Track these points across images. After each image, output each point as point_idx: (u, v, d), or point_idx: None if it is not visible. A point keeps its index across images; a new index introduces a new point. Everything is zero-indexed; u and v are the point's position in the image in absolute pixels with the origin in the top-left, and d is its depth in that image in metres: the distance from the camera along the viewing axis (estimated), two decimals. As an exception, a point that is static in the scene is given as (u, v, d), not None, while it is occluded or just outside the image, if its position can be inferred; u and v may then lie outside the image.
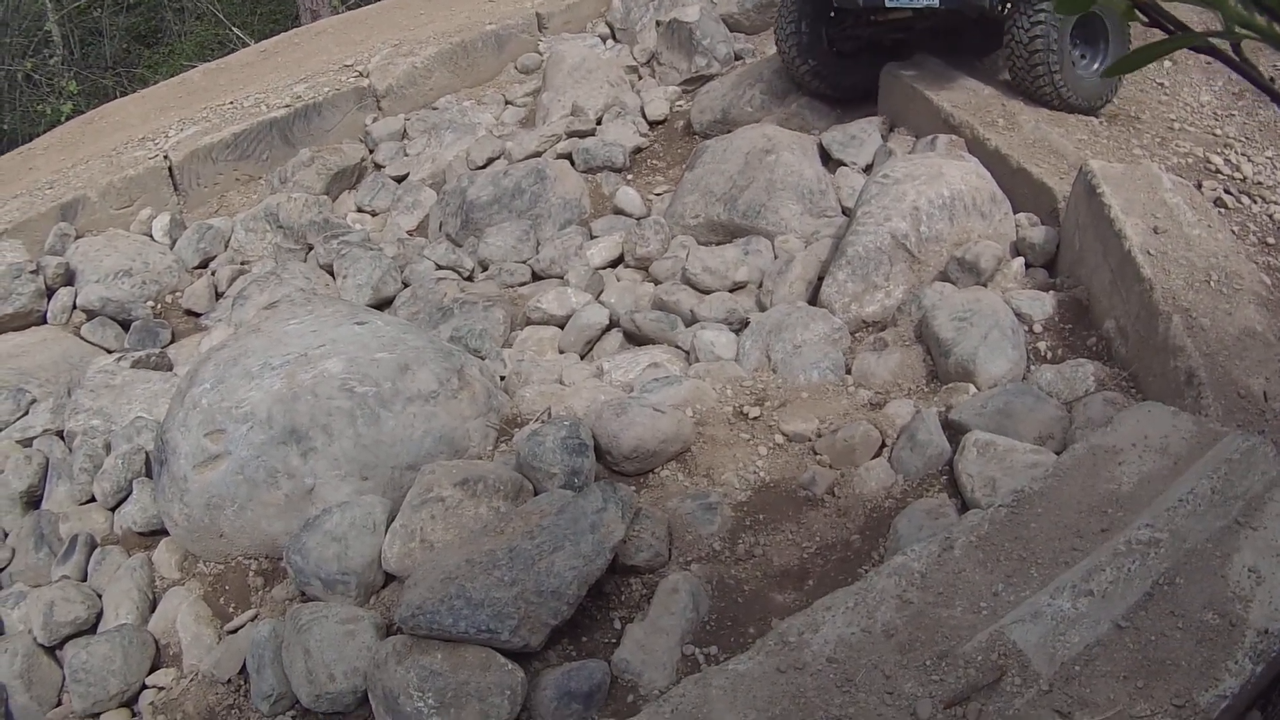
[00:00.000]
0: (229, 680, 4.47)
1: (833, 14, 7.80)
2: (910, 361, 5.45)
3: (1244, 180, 6.23)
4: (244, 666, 4.43)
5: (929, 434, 4.66)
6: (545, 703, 3.75)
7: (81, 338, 7.68)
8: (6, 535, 5.74)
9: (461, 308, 6.87)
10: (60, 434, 6.43)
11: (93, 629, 5.00)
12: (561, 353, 6.55)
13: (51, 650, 4.93)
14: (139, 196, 9.10)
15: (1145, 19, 1.46)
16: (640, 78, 10.15)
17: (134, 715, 4.63)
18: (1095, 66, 7.06)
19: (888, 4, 6.89)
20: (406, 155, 9.70)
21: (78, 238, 8.58)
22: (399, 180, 9.41)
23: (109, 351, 7.45)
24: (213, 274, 8.36)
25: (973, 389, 5.08)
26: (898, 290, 5.97)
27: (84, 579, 5.25)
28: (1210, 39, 1.43)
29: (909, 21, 7.39)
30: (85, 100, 18.07)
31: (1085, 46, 7.06)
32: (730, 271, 6.68)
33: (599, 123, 9.19)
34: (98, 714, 4.63)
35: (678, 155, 8.70)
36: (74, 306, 7.88)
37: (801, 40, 7.86)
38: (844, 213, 7.10)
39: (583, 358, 6.48)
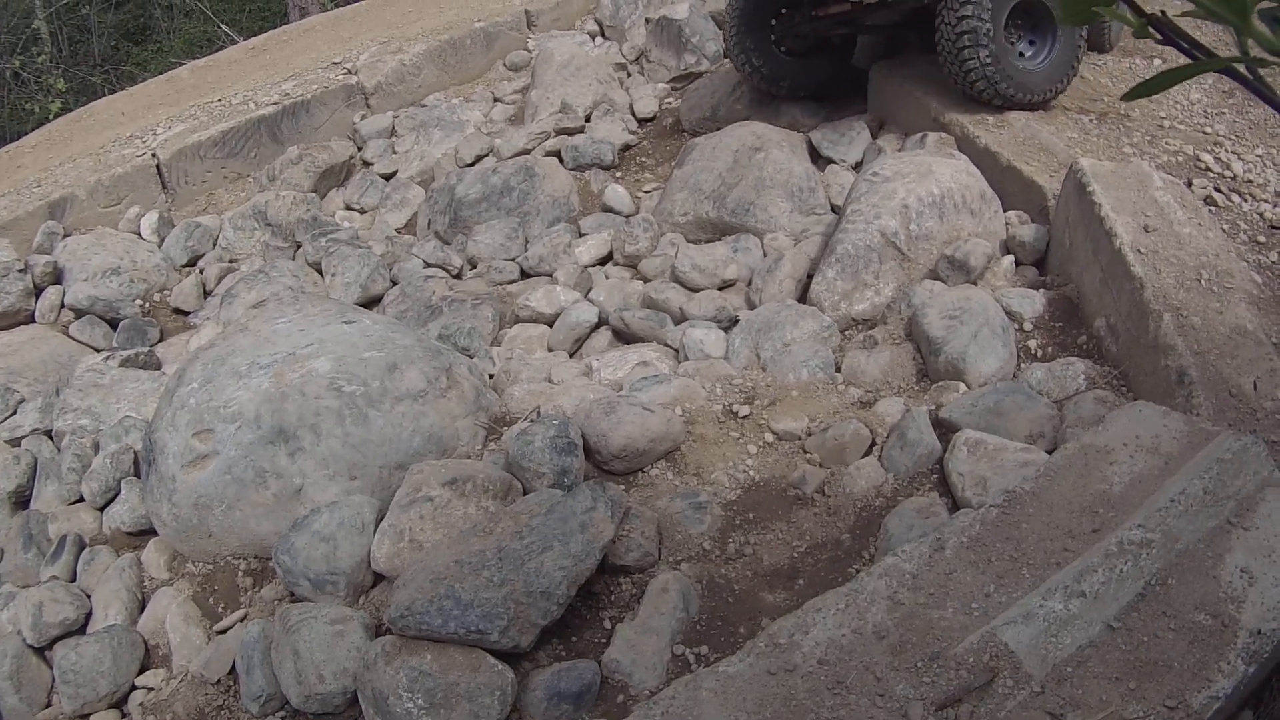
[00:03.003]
0: (218, 681, 4.45)
1: (774, 19, 7.78)
2: (900, 360, 5.44)
3: (1234, 178, 6.23)
4: (233, 667, 4.41)
5: (919, 432, 4.65)
6: (535, 703, 3.73)
7: (70, 336, 7.66)
8: (-6, 536, 5.72)
9: (450, 306, 6.85)
10: (48, 433, 6.40)
11: (82, 630, 4.97)
12: (550, 351, 6.54)
13: (40, 651, 4.90)
14: (127, 195, 9.07)
15: (1159, 36, 1.43)
16: (629, 75, 10.15)
17: (123, 716, 4.61)
18: (1040, 59, 6.87)
19: None
20: (395, 153, 9.69)
21: (66, 236, 8.56)
22: (387, 178, 9.40)
23: (97, 350, 7.42)
24: (201, 272, 8.34)
25: (963, 387, 5.08)
26: (887, 288, 5.96)
27: (73, 579, 5.23)
28: (1233, 63, 1.40)
29: (851, 16, 7.33)
30: (73, 98, 18.03)
31: (1031, 36, 6.90)
32: (719, 269, 6.67)
33: (588, 120, 9.18)
34: (87, 715, 4.61)
35: (667, 153, 8.69)
36: (62, 305, 7.86)
37: (746, 41, 7.85)
38: (833, 210, 7.10)
39: (572, 356, 6.47)
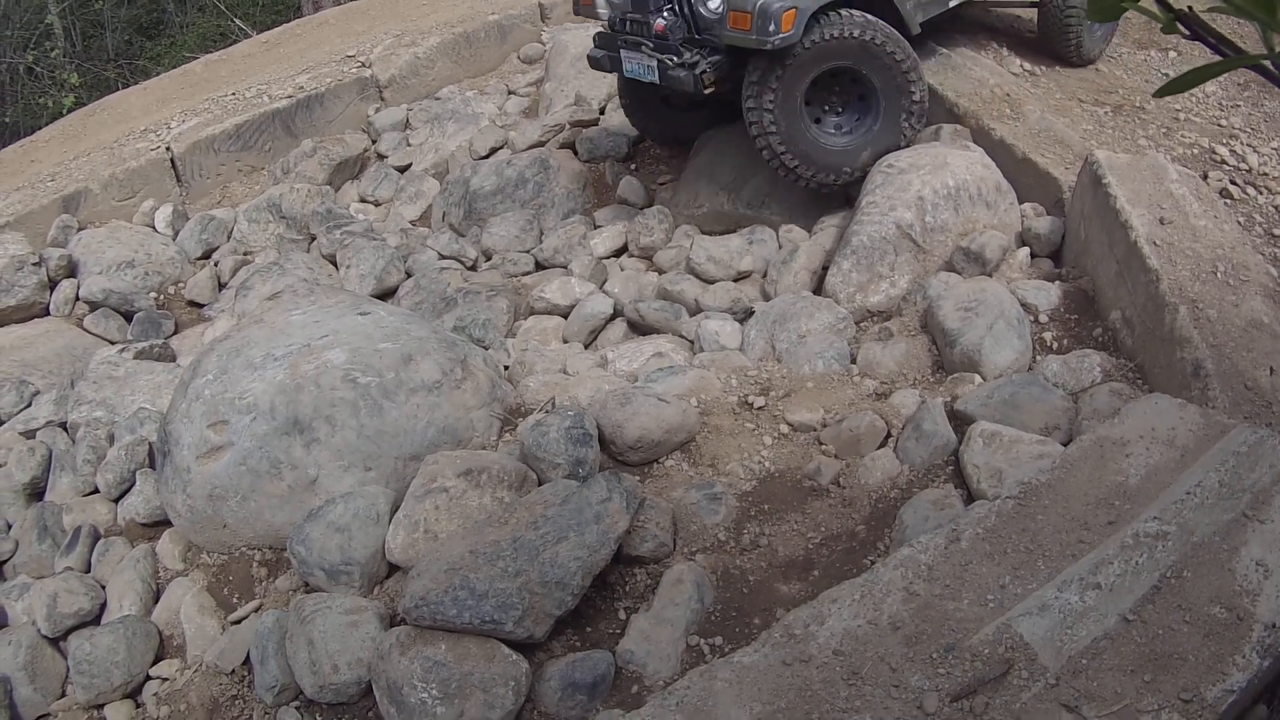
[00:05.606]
0: (233, 671, 4.45)
1: None
2: (916, 351, 5.43)
3: (1250, 171, 6.21)
4: (248, 657, 4.42)
5: (934, 424, 4.64)
6: (550, 693, 3.74)
7: (84, 329, 7.67)
8: (10, 527, 5.73)
9: (465, 297, 6.86)
10: (63, 426, 6.41)
11: (96, 620, 4.98)
12: (565, 342, 6.54)
13: (55, 642, 4.91)
14: (141, 188, 9.07)
15: (1187, 32, 1.43)
16: (643, 67, 10.11)
17: (138, 706, 4.62)
18: (855, 135, 6.53)
19: (625, 73, 6.76)
20: (409, 145, 9.68)
21: (80, 230, 8.56)
22: (402, 170, 9.38)
23: (112, 343, 7.42)
24: (215, 265, 8.34)
25: (978, 379, 5.07)
26: (903, 280, 5.95)
27: (87, 570, 5.24)
28: (1263, 60, 1.39)
29: None
30: (87, 92, 18.02)
31: (848, 113, 6.56)
32: (734, 261, 6.66)
33: (602, 112, 9.16)
34: (101, 705, 4.62)
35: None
36: (77, 298, 7.87)
37: (632, 95, 7.80)
38: (848, 202, 7.08)
39: (587, 347, 6.47)
